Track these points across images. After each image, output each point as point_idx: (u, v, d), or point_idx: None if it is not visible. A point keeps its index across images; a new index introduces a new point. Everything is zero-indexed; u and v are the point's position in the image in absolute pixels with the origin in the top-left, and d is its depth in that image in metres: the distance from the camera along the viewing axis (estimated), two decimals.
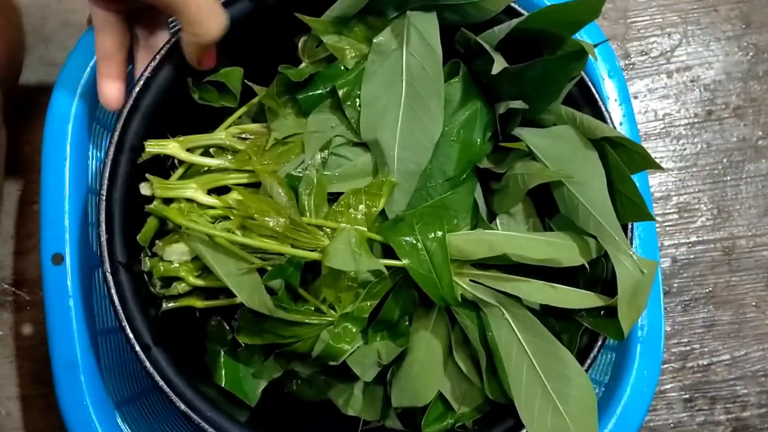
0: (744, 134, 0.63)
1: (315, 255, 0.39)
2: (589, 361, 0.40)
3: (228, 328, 0.46)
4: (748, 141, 0.63)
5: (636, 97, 0.63)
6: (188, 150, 0.42)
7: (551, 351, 0.39)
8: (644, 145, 0.52)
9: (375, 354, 0.42)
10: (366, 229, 0.40)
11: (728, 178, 0.63)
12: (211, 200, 0.41)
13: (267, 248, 0.39)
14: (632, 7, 0.65)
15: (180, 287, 0.42)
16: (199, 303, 0.43)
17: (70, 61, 0.48)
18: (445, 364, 0.43)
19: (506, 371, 0.40)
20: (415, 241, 0.39)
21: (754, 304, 0.60)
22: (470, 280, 0.40)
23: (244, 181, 0.42)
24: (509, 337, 0.40)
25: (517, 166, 0.42)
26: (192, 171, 0.43)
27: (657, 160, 0.61)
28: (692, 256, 0.62)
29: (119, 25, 0.43)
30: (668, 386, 0.59)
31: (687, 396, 0.58)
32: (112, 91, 0.42)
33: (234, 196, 0.41)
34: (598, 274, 0.41)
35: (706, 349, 0.60)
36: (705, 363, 0.60)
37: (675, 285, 0.61)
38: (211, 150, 0.43)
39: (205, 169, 0.42)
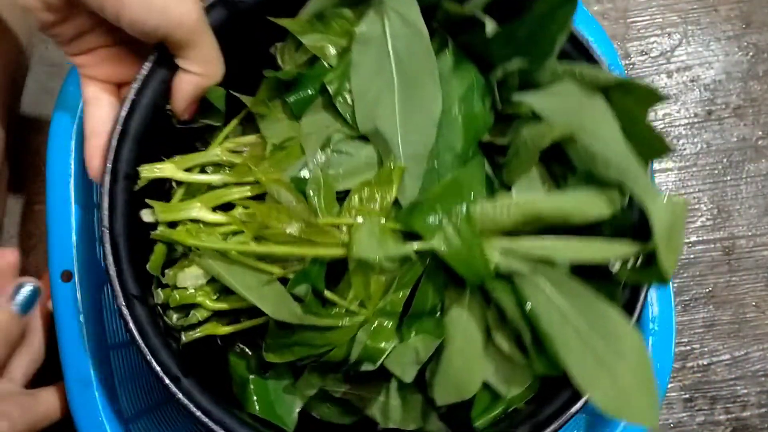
0: (744, 134, 0.64)
1: (339, 250, 0.37)
2: (636, 314, 0.38)
3: (251, 353, 0.44)
4: (748, 141, 0.63)
5: None
6: (185, 171, 0.40)
7: (596, 311, 0.38)
8: None
9: (413, 351, 0.40)
10: (387, 220, 0.38)
11: (728, 177, 0.63)
12: (218, 217, 0.39)
13: (288, 254, 0.37)
14: (632, 7, 0.65)
15: (199, 314, 0.40)
16: (222, 329, 0.41)
17: (70, 76, 0.49)
18: (486, 349, 0.41)
19: (552, 341, 0.38)
20: (438, 221, 0.38)
21: (754, 304, 0.60)
22: (502, 251, 0.38)
23: (248, 193, 0.40)
24: (550, 305, 0.38)
25: (524, 132, 0.41)
26: (192, 192, 0.41)
27: (657, 160, 0.61)
28: (692, 256, 0.62)
29: (112, 95, 0.42)
30: (668, 386, 0.58)
31: (687, 396, 0.58)
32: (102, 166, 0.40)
33: (241, 210, 0.39)
34: (623, 228, 0.39)
35: (706, 349, 0.60)
36: (705, 363, 0.60)
37: (675, 285, 0.61)
38: (207, 169, 0.42)
39: (206, 187, 0.40)
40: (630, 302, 0.39)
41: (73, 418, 0.46)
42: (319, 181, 0.39)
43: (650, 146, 0.38)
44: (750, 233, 0.61)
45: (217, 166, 0.41)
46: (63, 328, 0.46)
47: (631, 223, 0.39)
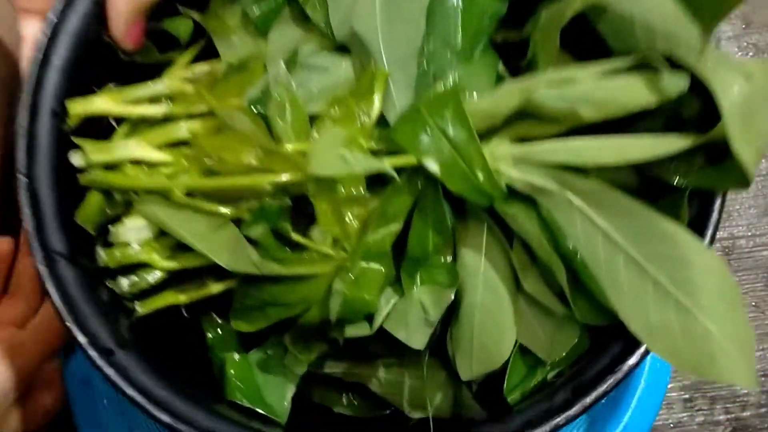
0: None
1: (296, 174, 0.28)
2: (710, 230, 0.28)
3: (231, 328, 0.36)
4: None
5: None
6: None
7: (652, 230, 0.27)
8: None
9: (418, 307, 0.31)
10: (362, 134, 0.30)
11: None
12: (163, 155, 0.32)
13: (239, 185, 0.29)
14: None
15: (149, 277, 0.32)
16: (182, 298, 0.33)
17: None
18: (515, 302, 0.32)
19: (597, 278, 0.28)
20: (428, 130, 0.29)
21: (753, 304, 0.58)
22: (516, 160, 0.29)
23: (200, 128, 0.33)
24: (588, 229, 0.28)
25: (542, 17, 0.31)
26: (137, 131, 0.34)
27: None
28: None
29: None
30: (668, 386, 0.54)
31: (687, 396, 0.56)
32: None
33: (190, 146, 0.32)
34: (677, 114, 0.29)
35: None
36: None
37: None
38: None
39: (151, 123, 0.33)
40: (699, 218, 0.28)
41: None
42: (284, 101, 0.31)
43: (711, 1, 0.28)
44: (750, 233, 0.59)
45: (168, 101, 0.34)
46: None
47: (696, 115, 0.29)
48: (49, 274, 0.29)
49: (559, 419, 0.28)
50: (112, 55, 0.34)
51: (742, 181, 0.27)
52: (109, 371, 0.28)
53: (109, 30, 0.33)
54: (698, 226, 0.28)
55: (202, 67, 0.35)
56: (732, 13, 0.53)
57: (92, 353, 0.28)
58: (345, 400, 0.38)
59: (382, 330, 0.32)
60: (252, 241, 0.30)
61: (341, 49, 0.33)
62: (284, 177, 0.28)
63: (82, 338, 0.28)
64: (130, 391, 0.28)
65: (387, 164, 0.28)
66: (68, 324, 0.28)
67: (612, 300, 0.28)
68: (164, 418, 0.28)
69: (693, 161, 0.28)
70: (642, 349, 0.27)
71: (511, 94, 0.28)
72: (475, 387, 0.34)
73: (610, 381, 0.27)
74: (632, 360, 0.27)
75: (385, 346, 0.34)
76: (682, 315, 0.26)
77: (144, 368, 0.29)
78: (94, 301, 0.30)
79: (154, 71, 0.36)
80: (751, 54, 0.62)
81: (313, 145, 0.28)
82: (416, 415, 0.36)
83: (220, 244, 0.30)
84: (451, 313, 0.33)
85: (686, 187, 0.28)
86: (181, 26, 0.36)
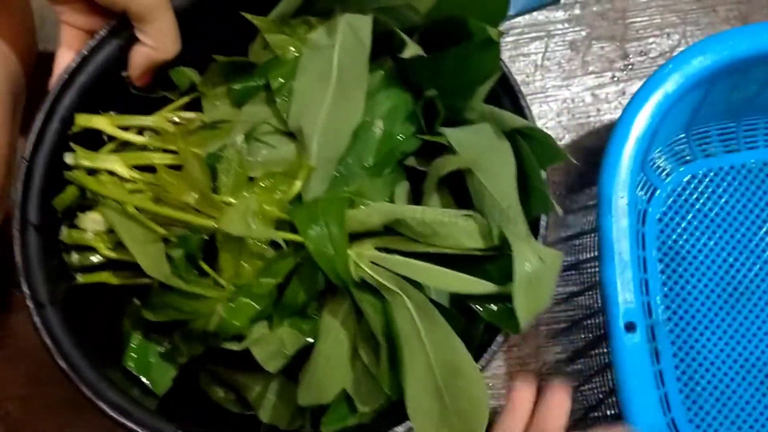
0: None
1: (212, 222, 0.39)
2: (487, 356, 0.38)
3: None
4: None
5: None
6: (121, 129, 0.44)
7: (449, 343, 0.38)
8: None
9: (278, 341, 0.41)
10: (275, 208, 0.40)
11: None
12: (131, 174, 0.42)
13: (172, 216, 0.39)
14: (631, 8, 0.65)
15: (94, 259, 0.42)
16: (114, 279, 0.43)
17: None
18: (353, 359, 0.42)
19: (403, 363, 0.38)
20: (317, 219, 0.39)
21: None
22: (371, 262, 0.39)
23: (169, 161, 0.43)
24: (410, 328, 0.38)
25: (437, 160, 0.42)
26: (122, 151, 0.44)
27: None
28: None
29: (84, 44, 0.45)
30: None
31: None
32: None
33: (155, 174, 0.42)
34: (506, 271, 0.39)
35: None
36: None
37: None
38: (144, 134, 0.45)
39: (133, 148, 0.44)
40: (485, 343, 0.38)
41: None
42: (231, 161, 0.42)
43: (539, 200, 0.38)
44: None
45: (154, 134, 0.44)
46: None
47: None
48: (19, 236, 0.39)
49: None
50: (123, 86, 0.45)
51: (514, 329, 0.37)
52: (36, 320, 0.38)
53: (127, 71, 0.44)
54: (481, 349, 0.38)
55: (188, 115, 0.45)
56: (731, 13, 0.62)
57: (29, 303, 0.38)
58: (222, 393, 0.48)
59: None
60: (171, 258, 0.40)
61: (290, 134, 0.44)
62: (204, 222, 0.39)
63: (26, 290, 0.39)
64: (46, 339, 0.38)
65: (279, 236, 0.38)
66: (19, 277, 0.38)
67: (405, 383, 0.38)
68: (62, 364, 0.38)
69: (491, 302, 0.38)
70: (408, 424, 0.37)
71: (381, 211, 0.38)
72: (308, 411, 0.44)
73: None
74: (399, 429, 0.37)
75: (255, 363, 0.44)
76: (443, 409, 0.37)
77: (64, 325, 0.39)
78: (44, 266, 0.40)
79: (152, 101, 0.47)
80: None
81: (229, 208, 0.38)
82: (264, 419, 0.46)
83: (147, 253, 0.40)
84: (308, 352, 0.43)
85: (483, 318, 0.38)
86: (181, 78, 0.46)
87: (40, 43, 0.62)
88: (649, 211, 0.61)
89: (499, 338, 0.38)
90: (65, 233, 0.42)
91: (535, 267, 0.37)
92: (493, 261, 0.39)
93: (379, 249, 0.40)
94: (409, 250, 0.39)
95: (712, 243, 0.61)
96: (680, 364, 0.59)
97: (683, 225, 0.61)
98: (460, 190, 0.42)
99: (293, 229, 0.41)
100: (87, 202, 0.43)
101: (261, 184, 0.41)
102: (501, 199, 0.38)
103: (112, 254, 0.42)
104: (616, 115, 0.55)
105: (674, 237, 0.61)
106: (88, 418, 0.55)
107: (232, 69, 0.45)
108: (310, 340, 0.42)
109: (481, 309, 0.38)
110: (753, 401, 0.59)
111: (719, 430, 0.58)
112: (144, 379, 0.44)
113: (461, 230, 0.38)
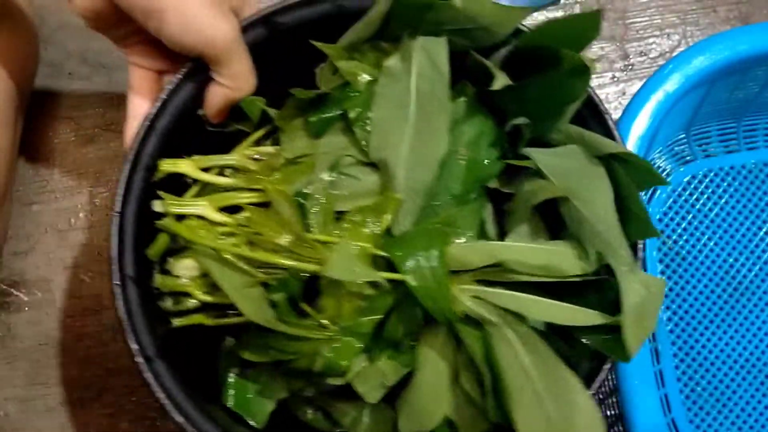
0: None
1: (315, 267, 0.39)
2: (596, 384, 0.38)
3: (238, 349, 0.46)
4: None
5: None
6: (203, 170, 0.43)
7: (556, 373, 0.38)
8: None
9: (380, 374, 0.42)
10: (370, 245, 0.40)
11: None
12: (221, 217, 0.42)
13: (270, 261, 0.40)
14: (631, 8, 0.65)
15: (189, 303, 0.43)
16: (208, 321, 0.44)
17: None
18: (453, 387, 0.42)
19: (509, 393, 0.39)
20: (415, 255, 0.39)
21: None
22: (473, 296, 0.39)
23: (255, 200, 0.43)
24: (512, 358, 0.39)
25: (525, 185, 0.42)
26: (206, 191, 0.44)
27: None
28: None
29: (155, 84, 0.45)
30: None
31: None
32: None
33: (245, 214, 0.42)
34: (604, 296, 0.39)
35: None
36: None
37: None
38: (226, 172, 0.45)
39: (218, 188, 0.43)
40: (592, 371, 0.39)
41: None
42: (319, 198, 0.42)
43: (639, 225, 0.38)
44: None
45: (234, 171, 0.44)
46: None
47: (614, 299, 0.40)
48: (121, 292, 0.40)
49: None
50: (197, 125, 0.45)
51: (625, 357, 0.37)
52: (148, 376, 0.39)
53: (204, 110, 0.43)
54: (590, 378, 0.38)
55: (267, 149, 0.45)
56: (731, 13, 0.62)
57: (139, 359, 0.39)
58: (311, 414, 0.49)
59: None
60: (271, 302, 0.40)
61: (372, 164, 0.43)
62: (306, 266, 0.39)
63: (134, 345, 0.39)
64: (160, 394, 0.38)
65: (382, 276, 0.39)
66: (126, 335, 0.39)
67: (513, 414, 0.38)
68: (179, 419, 0.38)
69: (599, 331, 0.38)
70: None
71: (482, 252, 0.39)
72: None
73: None
74: None
75: (351, 390, 0.45)
76: None
77: (174, 377, 0.40)
78: (146, 317, 0.40)
79: (225, 136, 0.46)
80: None
81: (331, 253, 0.38)
82: None
83: (247, 298, 0.40)
84: (405, 380, 0.43)
85: (588, 346, 0.39)
86: (253, 108, 0.46)
87: (40, 43, 0.62)
88: (649, 212, 0.61)
89: (607, 365, 0.38)
90: (159, 280, 0.42)
91: (642, 297, 0.37)
92: (594, 287, 0.39)
93: (478, 281, 0.40)
94: (508, 280, 0.40)
95: (712, 243, 0.61)
96: (680, 365, 0.59)
97: (683, 225, 0.61)
98: (547, 211, 0.42)
99: (388, 264, 0.41)
100: (177, 245, 0.43)
101: (350, 219, 0.41)
102: (601, 226, 0.38)
103: (207, 298, 0.42)
104: (617, 115, 0.54)
105: (674, 237, 0.61)
106: (88, 418, 0.57)
107: (307, 101, 0.44)
108: (409, 370, 0.42)
109: (588, 338, 0.39)
110: (753, 402, 0.59)
111: (720, 431, 0.58)
112: (243, 415, 0.45)
113: (560, 257, 0.38)
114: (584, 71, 0.38)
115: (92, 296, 0.58)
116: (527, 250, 0.39)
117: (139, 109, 0.44)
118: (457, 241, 0.41)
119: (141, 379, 0.39)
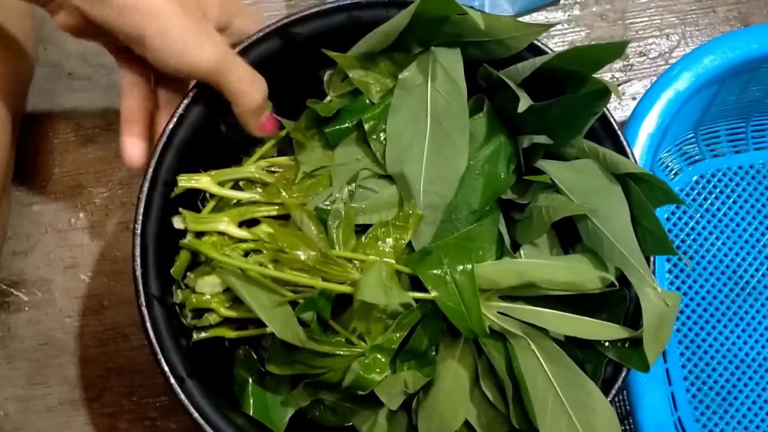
0: None
1: (347, 288, 0.40)
2: (613, 391, 0.41)
3: (255, 357, 0.47)
4: None
5: (634, 99, 0.64)
6: (219, 183, 0.43)
7: (576, 382, 0.40)
8: None
9: (402, 383, 0.43)
10: (394, 262, 0.41)
11: None
12: (242, 233, 0.42)
13: (299, 282, 0.40)
14: (630, 8, 0.65)
15: (211, 318, 0.43)
16: (230, 333, 0.44)
17: None
18: (472, 393, 0.44)
19: (532, 401, 0.41)
20: (443, 274, 0.40)
21: None
22: (498, 312, 0.41)
23: (274, 213, 0.43)
24: (535, 368, 0.41)
25: (541, 198, 0.43)
26: (223, 204, 0.44)
27: None
28: None
29: (146, 88, 0.44)
30: None
31: None
32: (136, 151, 0.44)
33: (264, 228, 0.42)
34: (621, 307, 0.41)
35: None
36: None
37: None
38: (240, 183, 0.44)
39: (236, 202, 0.43)
40: (611, 379, 0.41)
41: None
42: (340, 213, 0.42)
43: (655, 241, 0.40)
44: None
45: (251, 183, 0.44)
46: None
47: (627, 309, 0.42)
48: (147, 313, 0.39)
49: None
50: (209, 138, 0.44)
51: (644, 366, 0.39)
52: (182, 397, 0.39)
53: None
54: (608, 385, 0.41)
55: (282, 160, 0.45)
56: (730, 14, 0.63)
57: (172, 381, 0.39)
58: (324, 415, 0.50)
59: None
60: (301, 320, 0.41)
61: (387, 176, 0.44)
62: (336, 288, 0.39)
63: (166, 367, 0.39)
64: (194, 413, 0.39)
65: (411, 297, 0.40)
66: (158, 357, 0.39)
67: (537, 420, 0.40)
68: None
69: (618, 343, 0.41)
70: None
71: (511, 272, 0.40)
72: None
73: None
74: None
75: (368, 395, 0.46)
76: None
77: (204, 395, 0.40)
78: (172, 335, 0.40)
79: (236, 146, 0.46)
80: None
81: (363, 275, 0.39)
82: None
83: (275, 316, 0.40)
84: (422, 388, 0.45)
85: (606, 356, 0.41)
86: None
87: (39, 44, 0.61)
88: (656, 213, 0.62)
89: (623, 374, 0.41)
90: (182, 296, 0.42)
91: (661, 311, 0.39)
92: (609, 298, 0.41)
93: (502, 296, 0.42)
94: (531, 294, 0.41)
95: (719, 243, 0.61)
96: (687, 364, 0.59)
97: (691, 225, 0.61)
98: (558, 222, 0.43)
99: (413, 279, 0.42)
100: (197, 260, 0.43)
101: (372, 234, 0.42)
102: (620, 243, 0.40)
103: (231, 313, 0.43)
104: (617, 115, 0.55)
105: (682, 237, 0.61)
106: (87, 418, 0.57)
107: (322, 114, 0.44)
108: (429, 379, 0.44)
109: (608, 348, 0.41)
110: (760, 401, 0.59)
111: (726, 430, 0.59)
112: (264, 422, 0.46)
113: (582, 273, 0.40)
114: (605, 94, 0.39)
115: (92, 296, 0.57)
116: (553, 268, 0.40)
117: (130, 113, 0.44)
118: (479, 254, 0.42)
119: (175, 400, 0.39)
